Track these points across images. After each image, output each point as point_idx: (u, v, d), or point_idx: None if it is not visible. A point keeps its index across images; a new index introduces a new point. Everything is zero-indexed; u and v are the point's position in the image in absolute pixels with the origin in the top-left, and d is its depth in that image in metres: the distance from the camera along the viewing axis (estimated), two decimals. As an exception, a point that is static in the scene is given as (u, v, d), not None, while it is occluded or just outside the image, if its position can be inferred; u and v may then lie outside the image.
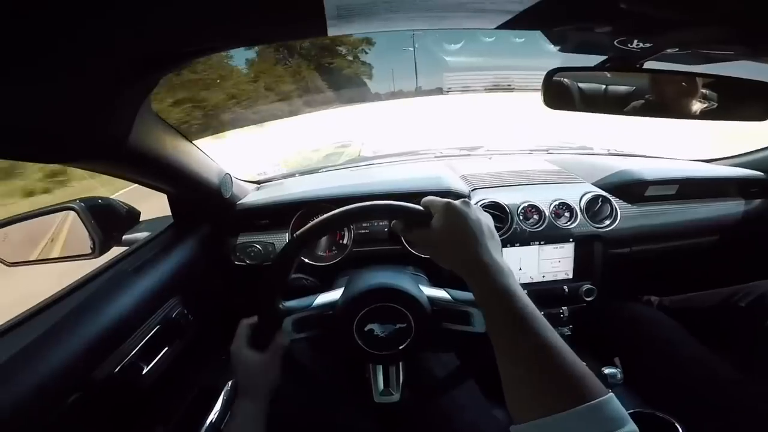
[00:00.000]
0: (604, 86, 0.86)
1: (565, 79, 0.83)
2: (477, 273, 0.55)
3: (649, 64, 0.79)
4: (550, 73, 0.80)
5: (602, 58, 0.82)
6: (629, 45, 0.72)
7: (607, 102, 0.87)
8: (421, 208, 0.65)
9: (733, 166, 1.55)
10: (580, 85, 0.85)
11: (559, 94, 0.83)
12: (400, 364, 0.88)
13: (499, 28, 0.54)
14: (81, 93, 0.54)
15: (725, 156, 1.65)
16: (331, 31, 0.52)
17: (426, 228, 0.62)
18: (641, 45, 0.72)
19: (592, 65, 0.82)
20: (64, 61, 0.46)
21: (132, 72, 0.56)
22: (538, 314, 0.48)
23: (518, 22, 0.50)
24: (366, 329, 0.76)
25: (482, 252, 0.56)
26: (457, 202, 0.61)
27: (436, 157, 1.79)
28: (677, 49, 0.73)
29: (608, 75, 0.83)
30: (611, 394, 0.41)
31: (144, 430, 0.91)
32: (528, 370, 0.45)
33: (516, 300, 0.50)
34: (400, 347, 0.77)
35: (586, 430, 0.39)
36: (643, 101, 0.85)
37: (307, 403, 0.94)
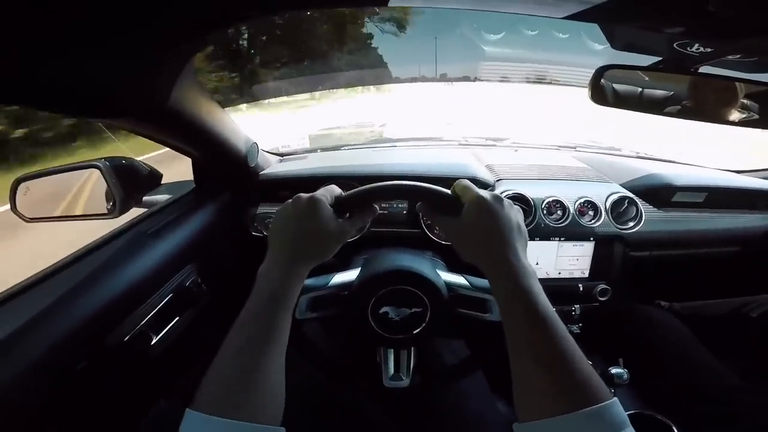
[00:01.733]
0: (651, 87, 0.84)
1: (613, 76, 0.81)
2: (501, 273, 0.54)
3: (704, 69, 0.76)
4: (601, 69, 0.78)
5: (654, 58, 0.79)
6: (689, 48, 0.69)
7: (652, 102, 0.85)
8: (451, 194, 0.63)
9: (764, 179, 1.51)
10: (628, 84, 0.83)
11: (606, 90, 0.82)
12: (412, 349, 0.88)
13: (566, 18, 0.51)
14: (128, 53, 0.53)
15: (757, 168, 1.61)
16: (392, 2, 0.49)
17: (454, 217, 0.60)
18: (701, 49, 0.69)
19: (644, 65, 0.80)
20: (115, 23, 0.46)
21: (179, 34, 0.54)
22: (555, 317, 0.49)
23: (588, 14, 0.47)
24: (381, 312, 0.76)
25: (509, 252, 0.54)
26: (489, 197, 0.58)
27: (460, 144, 1.77)
28: (739, 56, 0.70)
29: (657, 75, 0.81)
30: (615, 398, 0.42)
31: (148, 402, 0.92)
32: (541, 372, 0.46)
33: (536, 302, 0.50)
34: (414, 332, 0.77)
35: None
36: (688, 104, 0.83)
37: (316, 383, 0.94)
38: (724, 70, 0.79)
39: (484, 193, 0.59)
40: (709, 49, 0.68)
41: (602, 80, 0.81)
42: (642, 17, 0.53)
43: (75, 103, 0.58)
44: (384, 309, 0.76)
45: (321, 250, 0.60)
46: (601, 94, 0.82)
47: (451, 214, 0.60)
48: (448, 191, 0.64)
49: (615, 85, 0.84)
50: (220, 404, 0.45)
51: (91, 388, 0.71)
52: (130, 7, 0.44)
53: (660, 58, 0.77)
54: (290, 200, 0.61)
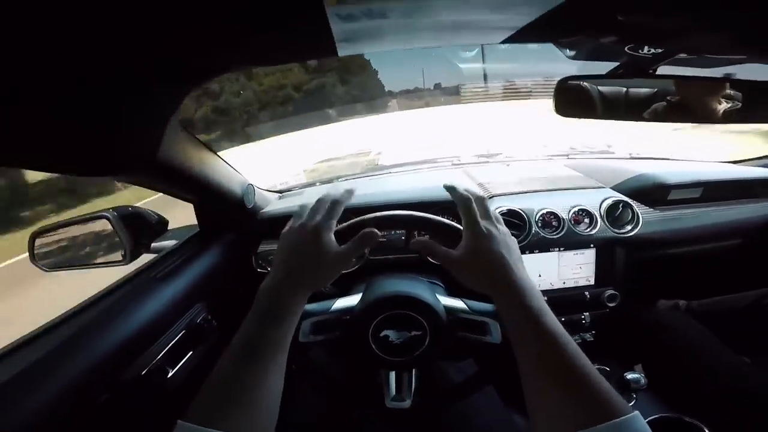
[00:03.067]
0: (617, 93, 0.85)
1: (577, 87, 0.83)
2: (507, 294, 0.54)
3: (662, 69, 0.79)
4: (562, 82, 0.80)
5: (615, 64, 0.82)
6: (640, 51, 0.72)
7: (621, 108, 0.86)
8: (458, 227, 0.66)
9: (761, 167, 1.51)
10: (592, 92, 0.84)
11: (571, 101, 0.83)
12: (413, 370, 0.89)
13: (504, 42, 0.55)
14: (112, 108, 0.57)
15: (752, 157, 1.60)
16: (341, 52, 0.54)
17: (449, 252, 0.61)
18: (652, 51, 0.72)
19: (605, 72, 0.82)
20: (97, 79, 0.49)
21: (160, 89, 0.59)
22: (565, 334, 0.50)
23: (522, 35, 0.51)
24: (381, 335, 0.77)
25: (512, 273, 0.55)
26: (482, 225, 0.60)
27: (453, 165, 1.80)
28: (686, 55, 0.73)
29: (621, 81, 0.83)
30: (637, 413, 0.41)
31: None
32: (557, 390, 0.46)
33: (545, 320, 0.50)
34: (415, 354, 0.78)
35: None
36: (659, 106, 0.84)
37: (319, 405, 0.95)
38: (682, 68, 0.81)
39: (479, 219, 0.61)
40: (659, 50, 0.71)
41: (566, 90, 0.82)
42: (572, 31, 0.56)
43: (59, 161, 0.62)
44: (384, 332, 0.77)
45: (322, 276, 0.62)
46: (566, 106, 0.84)
47: (448, 246, 0.62)
48: (454, 224, 0.66)
49: (582, 95, 0.84)
50: (210, 416, 0.46)
51: (112, 421, 0.74)
52: (109, 59, 0.47)
53: (618, 63, 0.80)
54: (294, 226, 0.64)
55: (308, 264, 0.60)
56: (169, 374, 0.88)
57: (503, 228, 0.62)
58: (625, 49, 0.72)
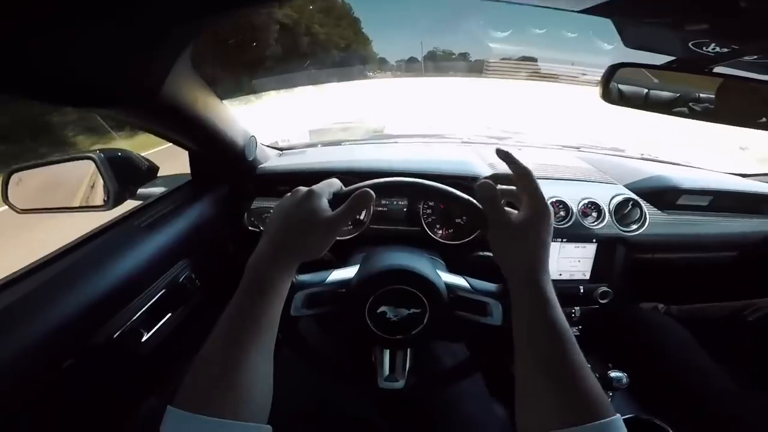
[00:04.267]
0: (664, 86, 0.83)
1: (628, 75, 0.79)
2: (535, 286, 0.54)
3: (719, 69, 0.75)
4: (613, 67, 0.77)
5: (667, 57, 0.77)
6: (704, 48, 0.67)
7: (665, 102, 0.84)
8: (472, 201, 0.63)
9: None
10: (641, 82, 0.82)
11: (618, 89, 0.80)
12: (408, 350, 0.86)
13: (584, 11, 0.48)
14: (119, 38, 0.51)
15: (763, 172, 1.61)
16: None
17: (506, 213, 0.58)
18: (717, 49, 0.67)
19: (656, 64, 0.78)
20: (105, 7, 0.44)
21: (172, 20, 0.52)
22: (570, 331, 0.50)
23: (605, 8, 0.45)
24: (378, 311, 0.74)
25: (545, 266, 0.55)
26: (550, 206, 0.58)
27: (462, 142, 1.75)
28: (756, 57, 0.68)
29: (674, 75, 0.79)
30: (618, 415, 0.43)
31: (138, 399, 0.90)
32: (551, 385, 0.46)
33: (558, 317, 0.51)
34: (412, 333, 0.75)
35: None
36: (704, 105, 0.82)
37: (309, 382, 0.93)
38: (738, 70, 0.77)
39: (543, 194, 0.58)
40: (725, 49, 0.66)
41: (613, 79, 0.79)
42: (663, 13, 0.51)
43: (61, 92, 0.56)
44: (382, 308, 0.74)
45: (312, 244, 0.58)
46: (611, 92, 0.81)
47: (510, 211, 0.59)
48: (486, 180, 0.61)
49: (626, 85, 0.82)
50: (202, 401, 0.44)
51: (78, 386, 0.69)
52: None
53: (673, 57, 0.75)
54: (289, 193, 0.60)
55: (296, 230, 0.57)
56: (144, 338, 0.83)
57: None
58: (690, 44, 0.67)
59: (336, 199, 0.61)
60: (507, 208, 0.59)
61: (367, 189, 0.59)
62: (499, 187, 0.61)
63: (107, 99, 0.62)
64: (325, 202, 0.58)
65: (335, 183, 0.63)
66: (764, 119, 0.79)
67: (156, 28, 0.53)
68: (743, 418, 0.95)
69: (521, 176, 0.59)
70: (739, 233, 1.37)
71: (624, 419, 0.44)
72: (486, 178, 0.63)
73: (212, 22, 0.59)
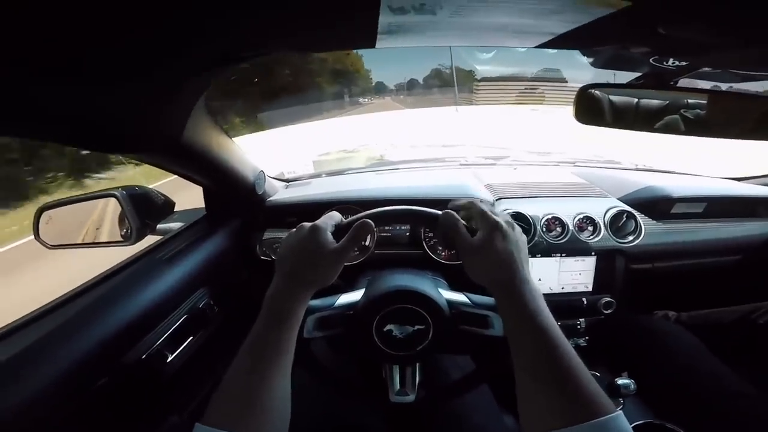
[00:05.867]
0: (635, 102, 0.86)
1: (597, 95, 0.83)
2: (512, 295, 0.56)
3: (683, 82, 0.79)
4: (583, 89, 0.81)
5: (636, 74, 0.82)
6: (665, 63, 0.72)
7: (638, 118, 0.87)
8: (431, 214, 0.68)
9: (763, 185, 1.52)
10: (612, 100, 0.85)
11: (590, 109, 0.84)
12: (417, 365, 0.90)
13: (538, 47, 0.55)
14: (144, 92, 0.58)
15: (756, 175, 1.62)
16: (379, 44, 0.54)
17: (469, 238, 0.62)
18: (677, 63, 0.72)
19: (625, 81, 0.83)
20: (132, 64, 0.50)
21: (190, 73, 0.59)
22: (561, 335, 0.52)
23: (557, 42, 0.51)
24: (385, 330, 0.77)
25: (519, 275, 0.57)
26: (502, 222, 0.61)
27: (461, 165, 1.80)
28: (710, 69, 0.73)
29: (640, 92, 0.84)
30: (620, 412, 0.44)
31: (161, 418, 0.94)
32: (546, 386, 0.48)
33: (543, 323, 0.52)
34: (418, 348, 0.78)
35: None
36: (674, 118, 0.85)
37: (323, 400, 0.95)
38: (703, 82, 0.82)
39: (498, 218, 0.62)
40: (683, 63, 0.72)
41: (587, 98, 0.83)
42: (607, 40, 0.57)
43: (87, 137, 0.63)
44: (388, 327, 0.77)
45: (322, 273, 0.63)
46: (585, 113, 0.85)
47: (467, 236, 0.63)
48: (433, 211, 0.68)
49: (602, 103, 0.85)
50: (227, 419, 0.49)
51: (109, 404, 0.73)
52: (142, 45, 0.48)
53: (640, 74, 0.80)
54: (294, 229, 0.66)
55: (307, 263, 0.62)
56: (168, 359, 0.88)
57: (517, 228, 0.64)
58: (650, 60, 0.72)
59: (338, 230, 0.66)
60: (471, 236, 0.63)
61: (367, 219, 0.65)
62: (456, 204, 0.68)
63: (133, 145, 0.69)
64: (329, 235, 0.63)
65: (335, 216, 0.69)
66: (734, 129, 0.82)
67: (171, 83, 0.61)
68: (758, 419, 0.93)
69: (467, 206, 0.66)
70: (739, 237, 1.37)
71: (636, 425, 0.44)
72: (447, 208, 0.67)
73: (221, 73, 0.66)
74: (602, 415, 0.43)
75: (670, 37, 0.45)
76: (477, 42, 0.60)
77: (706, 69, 0.74)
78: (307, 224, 0.64)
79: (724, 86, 0.83)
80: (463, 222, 0.64)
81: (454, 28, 0.50)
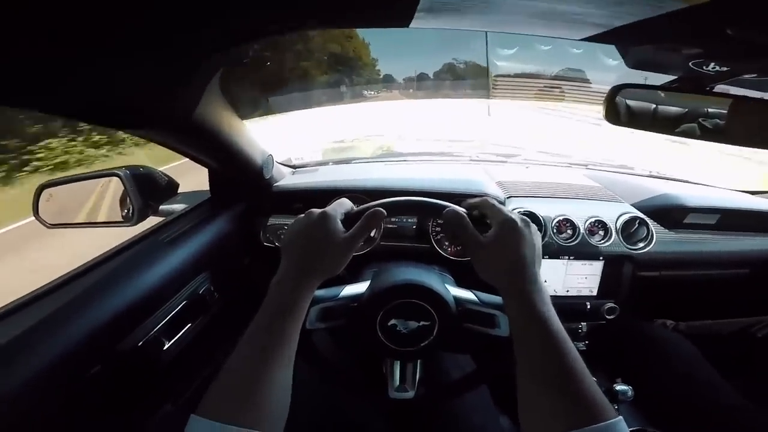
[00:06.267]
0: (666, 106, 0.84)
1: (628, 96, 0.81)
2: (521, 296, 0.55)
3: (720, 88, 0.77)
4: (616, 88, 0.78)
5: (669, 77, 0.79)
6: (704, 67, 0.70)
7: (667, 122, 0.85)
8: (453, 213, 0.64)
9: None
10: (641, 102, 0.83)
11: (621, 110, 0.82)
12: (419, 361, 0.88)
13: (583, 39, 0.52)
14: (158, 66, 0.55)
15: (772, 189, 1.59)
16: (415, 23, 0.50)
17: (479, 235, 0.60)
18: (717, 68, 0.69)
19: (658, 83, 0.80)
20: (148, 40, 0.48)
21: (205, 49, 0.56)
22: (567, 340, 0.51)
23: (605, 36, 0.48)
24: (389, 324, 0.76)
25: (530, 278, 0.55)
26: (519, 221, 0.59)
27: (471, 160, 1.78)
28: (755, 75, 0.70)
29: (675, 95, 0.81)
30: (620, 417, 0.44)
31: (155, 406, 0.92)
32: (550, 391, 0.47)
33: (551, 327, 0.51)
34: (421, 345, 0.77)
35: None
36: (706, 124, 0.83)
37: (322, 392, 0.94)
38: (740, 89, 0.79)
39: (514, 216, 0.60)
40: (725, 68, 0.69)
41: (617, 99, 0.81)
42: (660, 39, 0.54)
43: (102, 113, 0.60)
44: (392, 321, 0.76)
45: (330, 263, 0.61)
46: (615, 113, 0.82)
47: (478, 231, 0.61)
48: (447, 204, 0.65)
49: (630, 105, 0.84)
50: (224, 410, 0.46)
51: (103, 392, 0.71)
52: (159, 21, 0.46)
53: (675, 77, 0.77)
54: (303, 215, 0.63)
55: (315, 250, 0.60)
56: (165, 346, 0.85)
57: (533, 227, 0.61)
58: (690, 63, 0.69)
59: (347, 218, 0.64)
60: (483, 232, 0.61)
61: (379, 208, 0.63)
62: (470, 202, 0.66)
63: (144, 121, 0.66)
64: (338, 223, 0.61)
65: (346, 203, 0.67)
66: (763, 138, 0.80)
67: (186, 60, 0.58)
68: None
69: (481, 202, 0.64)
70: (749, 251, 1.36)
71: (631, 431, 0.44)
72: (455, 202, 0.65)
73: (236, 53, 0.63)
74: (604, 420, 0.43)
75: (733, 39, 0.42)
76: (517, 29, 0.57)
77: (747, 76, 0.71)
78: (317, 210, 0.62)
79: (760, 95, 0.80)
80: (468, 218, 0.62)
81: (496, 13, 0.46)
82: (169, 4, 0.43)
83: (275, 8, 0.48)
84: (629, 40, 0.58)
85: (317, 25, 0.62)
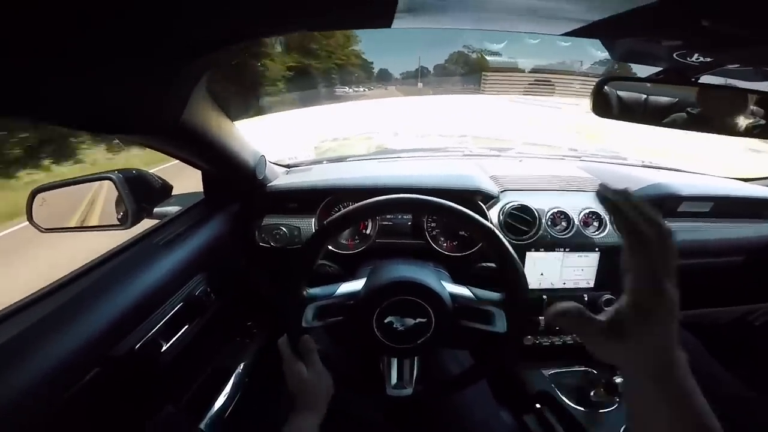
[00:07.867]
0: (651, 97, 0.84)
1: (615, 88, 0.81)
2: (664, 380, 0.41)
3: (705, 78, 0.77)
4: (602, 81, 0.79)
5: (655, 69, 0.80)
6: (688, 58, 0.70)
7: (654, 113, 0.85)
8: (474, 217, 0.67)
9: None
10: (629, 94, 0.83)
11: (608, 102, 0.82)
12: (416, 358, 0.89)
13: (565, 35, 0.52)
14: (141, 71, 0.55)
15: (763, 176, 1.60)
16: (397, 23, 0.51)
17: (600, 319, 0.45)
18: (701, 59, 0.70)
19: (644, 75, 0.81)
20: (128, 45, 0.48)
21: (190, 53, 0.56)
22: (704, 404, 0.41)
23: (586, 30, 0.49)
24: (385, 321, 0.77)
25: (676, 355, 0.42)
26: (668, 285, 0.43)
27: (464, 155, 1.78)
28: (738, 65, 0.71)
29: (659, 87, 0.82)
30: None
31: (156, 408, 0.92)
32: None
33: (693, 400, 0.41)
34: (418, 342, 0.77)
35: None
36: (691, 114, 0.83)
37: None
38: (725, 79, 0.80)
39: (663, 274, 0.43)
40: (708, 59, 0.69)
41: (604, 92, 0.81)
42: (639, 32, 0.54)
43: (90, 120, 0.60)
44: (389, 319, 0.77)
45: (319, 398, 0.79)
46: (602, 106, 0.83)
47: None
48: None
49: (618, 96, 0.84)
50: None
51: (101, 395, 0.71)
52: (142, 26, 0.46)
53: (661, 68, 0.78)
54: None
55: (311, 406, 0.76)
56: (163, 348, 0.86)
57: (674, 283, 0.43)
58: (674, 54, 0.70)
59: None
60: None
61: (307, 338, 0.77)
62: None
63: (130, 126, 0.66)
64: (302, 368, 0.73)
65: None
66: (745, 126, 0.80)
67: (170, 64, 0.58)
68: (753, 422, 0.94)
69: (634, 240, 0.42)
70: (743, 238, 1.37)
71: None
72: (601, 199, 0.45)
73: (221, 56, 0.63)
74: None
75: (709, 30, 0.43)
76: (499, 26, 0.57)
77: (730, 66, 0.72)
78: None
79: (743, 84, 0.81)
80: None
81: (476, 10, 0.47)
82: (152, 9, 0.43)
83: (256, 13, 0.48)
84: (610, 34, 0.58)
85: (299, 28, 0.62)
